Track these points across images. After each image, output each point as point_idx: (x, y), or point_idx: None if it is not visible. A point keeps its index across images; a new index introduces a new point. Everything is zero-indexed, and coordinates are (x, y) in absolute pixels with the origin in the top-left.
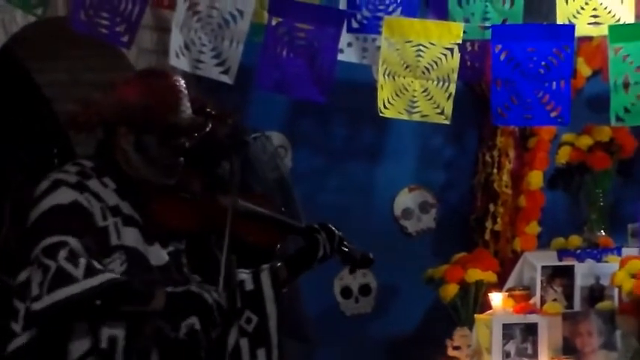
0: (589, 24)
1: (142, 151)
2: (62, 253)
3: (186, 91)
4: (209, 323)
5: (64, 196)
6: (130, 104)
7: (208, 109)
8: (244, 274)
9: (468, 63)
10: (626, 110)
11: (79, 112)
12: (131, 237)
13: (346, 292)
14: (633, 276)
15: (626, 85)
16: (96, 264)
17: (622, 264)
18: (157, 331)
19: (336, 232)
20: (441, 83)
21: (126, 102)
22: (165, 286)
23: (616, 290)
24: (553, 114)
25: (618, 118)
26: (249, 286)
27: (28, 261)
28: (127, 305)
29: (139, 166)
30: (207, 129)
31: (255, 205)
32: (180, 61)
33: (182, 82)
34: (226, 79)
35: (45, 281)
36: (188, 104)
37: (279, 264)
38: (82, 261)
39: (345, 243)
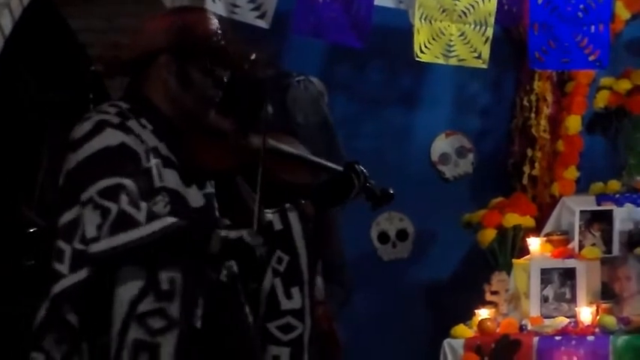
0: None
1: (184, 80)
2: (124, 197)
3: (221, 30)
4: (251, 274)
5: (112, 137)
6: (173, 31)
7: (243, 48)
8: (270, 214)
9: (506, 7)
10: None
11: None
12: (171, 179)
13: (383, 237)
14: None
15: None
16: (155, 208)
17: None
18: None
19: (363, 170)
20: (478, 27)
21: (168, 29)
22: (207, 228)
23: None
24: (591, 57)
25: None
26: (278, 226)
27: (75, 202)
28: (187, 249)
29: (179, 97)
30: (247, 66)
31: (288, 145)
32: (216, 5)
33: (217, 21)
34: (262, 24)
35: (105, 223)
36: (224, 40)
37: (304, 201)
38: (143, 205)
39: (369, 180)
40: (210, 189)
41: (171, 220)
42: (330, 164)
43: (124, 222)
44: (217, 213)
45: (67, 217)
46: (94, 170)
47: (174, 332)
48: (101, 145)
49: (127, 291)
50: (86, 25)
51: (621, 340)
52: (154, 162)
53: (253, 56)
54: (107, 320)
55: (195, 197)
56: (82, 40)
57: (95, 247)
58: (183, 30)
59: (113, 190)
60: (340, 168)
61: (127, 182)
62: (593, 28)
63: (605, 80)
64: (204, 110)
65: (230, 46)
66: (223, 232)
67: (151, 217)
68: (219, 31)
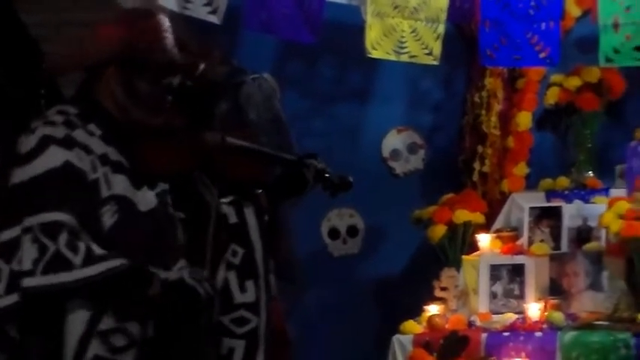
0: None
1: (131, 91)
2: (63, 236)
3: (171, 30)
4: (196, 314)
5: (55, 157)
6: (118, 44)
7: (193, 48)
8: (226, 207)
9: (457, 4)
10: (616, 51)
11: (61, 55)
12: (120, 185)
13: (334, 233)
14: (620, 217)
15: (615, 26)
16: (95, 248)
17: (609, 205)
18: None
19: (319, 162)
20: (430, 24)
21: (114, 42)
22: (153, 232)
23: (603, 231)
24: (542, 55)
25: (607, 59)
26: (233, 219)
27: (16, 222)
28: (126, 292)
29: (127, 107)
30: (200, 68)
31: (242, 139)
32: (168, 1)
33: (167, 20)
34: (214, 19)
35: (41, 261)
36: (174, 44)
37: (258, 192)
38: (82, 247)
39: (326, 170)
40: (162, 187)
41: (108, 264)
42: (285, 156)
43: (59, 264)
44: (171, 209)
45: (7, 235)
46: (38, 197)
47: (134, 351)
48: (45, 168)
49: (80, 312)
50: (39, 19)
51: (569, 336)
52: (101, 172)
53: (202, 66)
54: (54, 336)
55: (145, 200)
56: (34, 35)
57: (28, 282)
58: (130, 44)
59: (53, 228)
60: (295, 158)
61: (68, 219)
62: (543, 25)
63: (555, 77)
64: (153, 118)
65: (180, 53)
66: (163, 275)
67: (89, 260)
68: (168, 38)
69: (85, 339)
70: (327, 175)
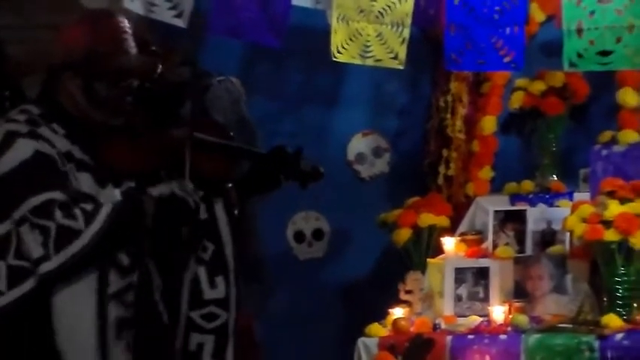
0: None
1: (91, 94)
2: (58, 212)
3: (131, 32)
4: (190, 230)
5: (24, 149)
6: (76, 48)
7: (154, 49)
8: None
9: (423, 8)
10: (579, 55)
11: (24, 57)
12: (85, 183)
13: (299, 236)
14: (584, 220)
15: (579, 31)
16: (87, 206)
17: (573, 209)
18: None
19: (289, 153)
20: (395, 28)
21: (71, 46)
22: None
23: (567, 235)
24: (506, 59)
25: (571, 64)
26: (203, 214)
27: (3, 217)
28: (130, 226)
29: (87, 109)
30: (158, 69)
31: (208, 135)
32: (133, 4)
33: (126, 22)
34: (179, 23)
35: (49, 241)
36: (134, 44)
37: (229, 186)
38: (77, 211)
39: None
40: (128, 184)
41: (105, 210)
42: (254, 149)
43: (67, 235)
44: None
45: None
46: (19, 188)
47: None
48: (16, 161)
49: (85, 285)
50: (2, 22)
51: (533, 338)
52: (68, 167)
53: (160, 68)
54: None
55: (109, 198)
56: None
57: (49, 265)
58: (88, 46)
59: (45, 208)
60: (263, 152)
61: (56, 194)
62: (508, 30)
63: (520, 81)
64: (113, 119)
65: (139, 55)
66: (154, 192)
67: (89, 218)
68: (127, 40)
69: (101, 307)
70: (301, 160)
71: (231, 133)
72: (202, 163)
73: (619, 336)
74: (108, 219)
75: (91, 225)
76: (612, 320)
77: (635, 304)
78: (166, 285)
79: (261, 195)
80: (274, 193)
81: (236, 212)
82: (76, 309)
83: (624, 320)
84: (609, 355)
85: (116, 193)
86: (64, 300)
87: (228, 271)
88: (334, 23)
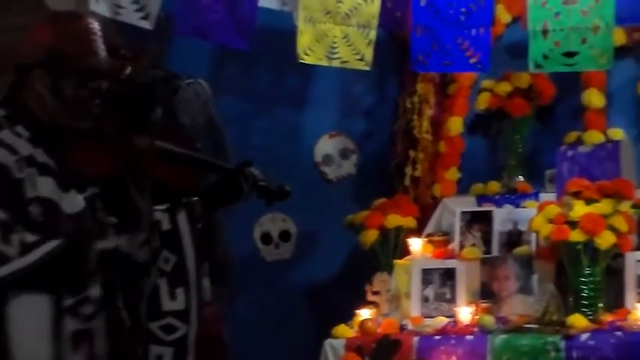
0: None
1: (58, 94)
2: None
3: (100, 34)
4: (137, 279)
5: None
6: (44, 48)
7: (123, 52)
8: (159, 213)
9: (389, 10)
10: (545, 57)
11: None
12: (46, 187)
13: (266, 238)
14: (550, 221)
15: (544, 32)
16: (28, 236)
17: (539, 209)
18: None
19: (254, 170)
20: (362, 29)
21: (40, 45)
22: (79, 235)
23: (533, 235)
24: (472, 60)
25: (537, 65)
26: (166, 225)
27: None
28: (64, 269)
29: (55, 110)
30: (127, 71)
31: (175, 145)
32: (99, 6)
33: (96, 24)
34: (146, 25)
35: None
36: (103, 46)
37: (193, 199)
38: (15, 238)
39: (262, 178)
40: (92, 190)
41: (46, 247)
42: (220, 163)
43: None
44: (101, 214)
45: None
46: None
47: (103, 312)
48: None
49: (40, 298)
50: None
51: (499, 339)
52: (26, 172)
53: (129, 70)
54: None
55: (72, 203)
56: None
57: None
58: (56, 47)
59: None
60: (230, 166)
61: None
62: (474, 31)
63: (486, 82)
64: (81, 121)
65: (107, 57)
66: (100, 245)
67: (25, 249)
68: (95, 41)
69: (57, 320)
70: (263, 183)
71: (199, 145)
72: (168, 174)
73: (584, 336)
74: (45, 257)
75: (24, 257)
76: (578, 320)
77: (600, 305)
78: (127, 294)
79: (226, 207)
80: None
81: (200, 225)
82: (29, 319)
83: (590, 320)
84: (575, 355)
85: (79, 200)
86: (17, 310)
87: (189, 283)
88: (300, 25)
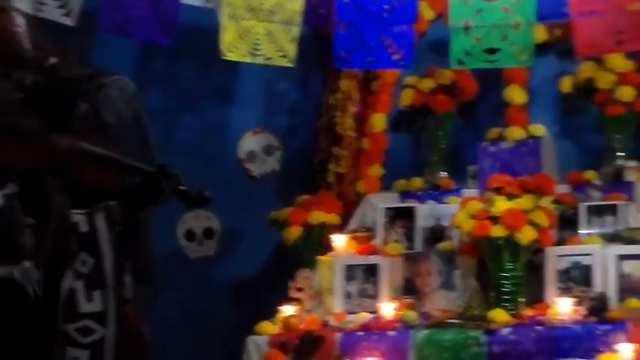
0: None
1: None
2: None
3: (24, 27)
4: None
5: None
6: None
7: (47, 47)
8: (78, 215)
9: (314, 7)
10: (467, 53)
11: None
12: None
13: (190, 235)
14: (472, 217)
15: (466, 29)
16: None
17: (462, 205)
18: None
19: (174, 172)
20: (285, 26)
21: None
22: None
23: (456, 231)
24: (395, 57)
25: (459, 61)
26: (84, 228)
27: None
28: None
29: None
30: (51, 62)
31: (98, 145)
32: (21, 2)
33: (20, 17)
34: (68, 22)
35: None
36: (28, 39)
37: (113, 203)
38: None
39: (182, 182)
40: (11, 189)
41: None
42: (141, 166)
43: None
44: (20, 213)
45: None
46: None
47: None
48: None
49: None
50: None
51: (421, 334)
52: None
53: (52, 60)
54: None
55: None
56: None
57: None
58: None
59: None
60: (151, 169)
61: None
62: (396, 28)
63: (409, 79)
64: (2, 115)
65: (30, 49)
66: None
67: None
68: (19, 33)
69: None
70: (183, 187)
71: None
72: (88, 174)
73: (506, 331)
74: None
75: None
76: (499, 315)
77: (521, 299)
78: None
79: (147, 208)
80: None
81: (118, 228)
82: None
83: (511, 315)
84: (496, 349)
85: None
86: None
87: (106, 285)
88: (224, 21)
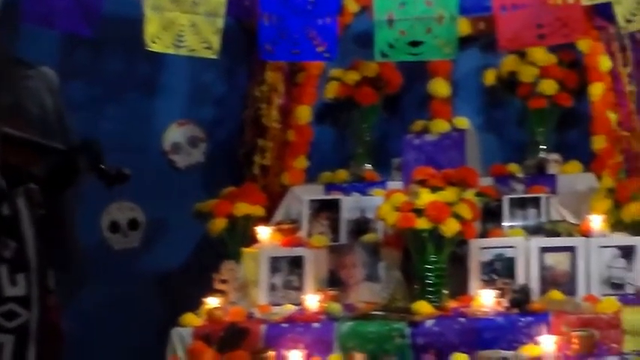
0: None
1: None
2: None
3: None
4: None
5: None
6: None
7: None
8: None
9: None
10: (390, 46)
11: None
12: None
13: (114, 226)
14: (397, 209)
15: (390, 22)
16: None
17: (386, 197)
18: None
19: (95, 149)
20: (209, 18)
21: None
22: None
23: (380, 223)
24: (320, 49)
25: (383, 54)
26: (5, 211)
27: None
28: None
29: None
30: None
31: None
32: None
33: None
34: None
35: None
36: None
37: (33, 186)
38: None
39: (102, 160)
40: None
41: None
42: (58, 146)
43: None
44: None
45: None
46: None
47: None
48: None
49: None
50: None
51: (346, 326)
52: None
53: None
54: None
55: None
56: None
57: None
58: None
59: None
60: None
61: None
62: (321, 20)
63: (334, 71)
64: None
65: None
66: None
67: None
68: None
69: None
70: (102, 166)
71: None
72: (6, 157)
73: (429, 322)
74: None
75: None
76: (423, 307)
77: (445, 291)
78: None
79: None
80: (88, 182)
81: (41, 211)
82: None
83: (435, 307)
84: (420, 341)
85: None
86: None
87: (29, 269)
88: (147, 12)
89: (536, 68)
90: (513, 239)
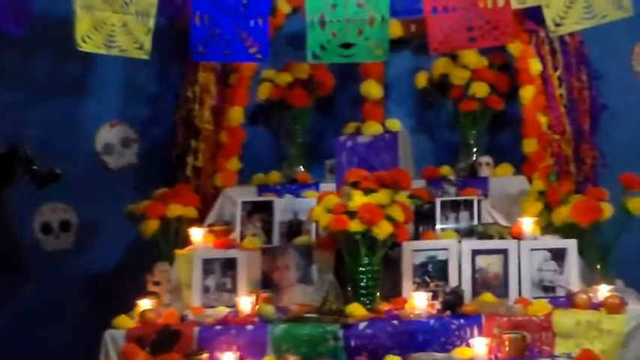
0: None
1: None
2: None
3: None
4: None
5: None
6: None
7: None
8: None
9: None
10: (322, 47)
11: None
12: None
13: (46, 227)
14: (329, 211)
15: (322, 23)
16: None
17: (319, 199)
18: None
19: (27, 152)
20: (141, 18)
21: None
22: None
23: (313, 225)
24: (252, 50)
25: (314, 56)
26: None
27: None
28: None
29: None
30: None
31: None
32: None
33: None
34: None
35: None
36: None
37: None
38: None
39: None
40: None
41: None
42: None
43: None
44: None
45: None
46: None
47: None
48: None
49: None
50: None
51: (279, 329)
52: None
53: None
54: None
55: None
56: None
57: None
58: None
59: None
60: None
61: None
62: (252, 22)
63: (267, 73)
64: None
65: None
66: None
67: None
68: None
69: None
70: (34, 167)
71: None
72: None
73: (362, 325)
74: None
75: None
76: (356, 309)
77: (377, 294)
78: None
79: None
80: (19, 184)
81: None
82: None
83: (367, 309)
84: (353, 343)
85: None
86: None
87: None
88: (78, 12)
89: (468, 71)
90: (446, 242)
